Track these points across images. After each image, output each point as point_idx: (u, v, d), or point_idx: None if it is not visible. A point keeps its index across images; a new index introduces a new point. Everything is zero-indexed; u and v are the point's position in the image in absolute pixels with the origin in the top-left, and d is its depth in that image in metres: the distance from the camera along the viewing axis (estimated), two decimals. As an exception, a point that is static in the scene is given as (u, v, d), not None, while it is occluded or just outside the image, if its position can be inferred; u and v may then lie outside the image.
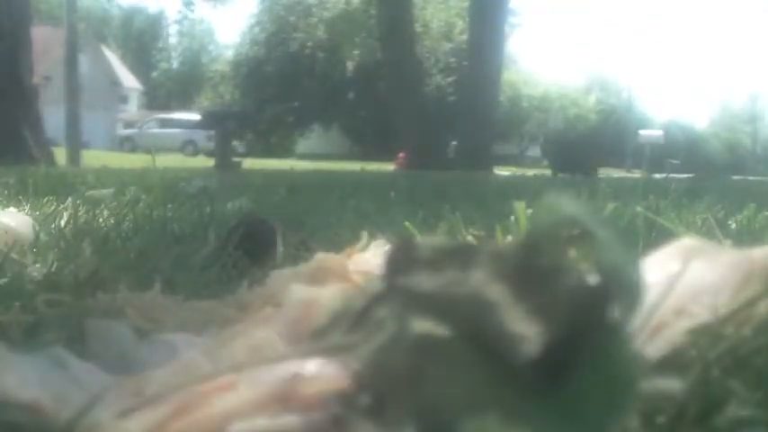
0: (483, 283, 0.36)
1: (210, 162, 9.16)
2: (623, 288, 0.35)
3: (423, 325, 0.35)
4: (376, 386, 0.35)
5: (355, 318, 0.39)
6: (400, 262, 0.39)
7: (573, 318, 0.34)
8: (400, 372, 0.34)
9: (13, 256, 1.08)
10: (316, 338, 0.41)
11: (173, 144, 23.70)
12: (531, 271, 0.36)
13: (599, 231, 0.37)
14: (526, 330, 0.34)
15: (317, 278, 0.78)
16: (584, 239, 0.36)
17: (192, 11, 21.95)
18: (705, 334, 0.50)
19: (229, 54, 36.41)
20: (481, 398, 0.34)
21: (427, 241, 0.39)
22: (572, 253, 0.36)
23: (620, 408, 0.34)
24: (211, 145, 12.52)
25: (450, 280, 0.37)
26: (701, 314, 0.50)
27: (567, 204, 0.38)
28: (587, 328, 0.34)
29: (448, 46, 28.92)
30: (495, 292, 0.36)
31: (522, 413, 0.33)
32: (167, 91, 42.28)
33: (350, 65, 30.01)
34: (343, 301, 0.42)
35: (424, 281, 0.37)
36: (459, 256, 0.38)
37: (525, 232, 0.41)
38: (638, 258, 0.41)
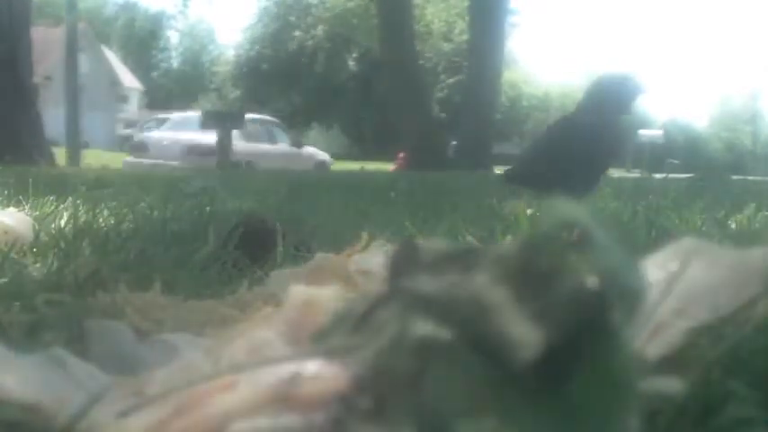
0: (483, 285, 0.36)
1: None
2: (623, 291, 0.35)
3: (424, 327, 0.35)
4: (377, 388, 0.35)
5: (357, 320, 0.39)
6: (402, 264, 0.39)
7: (573, 321, 0.34)
8: (401, 374, 0.34)
9: (13, 256, 1.08)
10: (317, 340, 0.41)
11: (173, 144, 23.61)
12: (532, 274, 0.36)
13: (599, 234, 0.37)
14: (526, 333, 0.34)
15: (317, 278, 0.78)
16: (584, 242, 0.36)
17: (187, 5, 21.93)
18: (705, 334, 0.50)
19: (230, 54, 36.48)
20: (481, 400, 0.34)
21: (429, 244, 0.39)
22: (572, 256, 0.36)
23: (617, 410, 0.34)
24: (211, 145, 12.47)
25: (451, 282, 0.37)
26: (700, 314, 0.50)
27: (568, 206, 0.38)
28: (587, 330, 0.34)
29: (448, 46, 28.94)
30: (496, 294, 0.36)
31: (522, 416, 0.33)
32: (167, 91, 42.31)
33: (350, 64, 30.03)
34: (345, 302, 0.42)
35: (426, 283, 0.37)
36: (461, 259, 0.38)
37: (526, 235, 0.41)
38: (638, 261, 0.41)
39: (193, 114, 12.26)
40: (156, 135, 11.64)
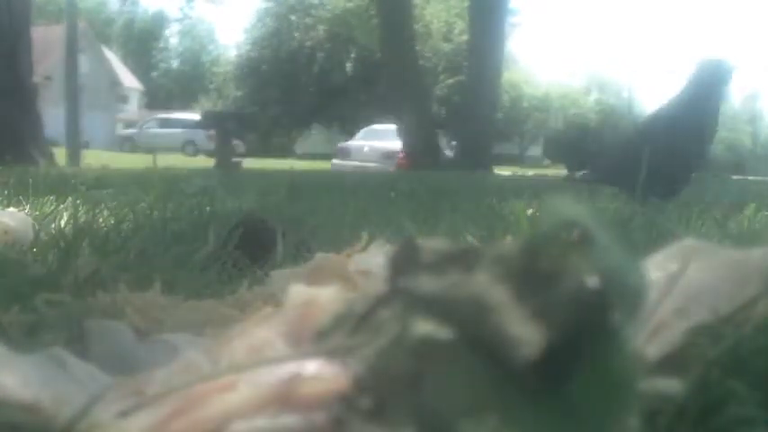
0: (484, 285, 0.36)
1: (210, 162, 9.18)
2: (624, 291, 0.35)
3: (424, 327, 0.35)
4: (377, 388, 0.35)
5: (357, 320, 0.39)
6: (402, 264, 0.39)
7: (573, 320, 0.34)
8: (401, 374, 0.34)
9: (13, 256, 1.08)
10: (318, 340, 0.41)
11: (173, 144, 23.67)
12: (532, 274, 0.36)
13: (600, 234, 0.37)
14: (527, 333, 0.34)
15: (317, 278, 0.78)
16: (585, 242, 0.36)
17: (192, 8, 22.05)
18: (705, 334, 0.50)
19: (231, 54, 36.55)
20: (482, 400, 0.34)
21: (429, 243, 0.39)
22: (573, 255, 0.36)
23: (618, 410, 0.34)
24: (211, 145, 12.74)
25: (451, 282, 0.37)
26: (700, 314, 0.50)
27: (569, 206, 0.38)
28: (587, 330, 0.34)
29: (448, 46, 28.94)
30: (496, 294, 0.36)
31: (523, 415, 0.33)
32: (167, 91, 42.27)
33: (349, 65, 30.03)
34: (345, 303, 0.42)
35: (427, 283, 0.37)
36: (461, 259, 0.38)
37: (526, 235, 0.41)
38: (640, 261, 0.41)
39: (386, 127, 15.63)
40: (357, 143, 15.27)
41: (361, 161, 13.78)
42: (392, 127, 15.80)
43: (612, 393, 0.34)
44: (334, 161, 15.10)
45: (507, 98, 26.79)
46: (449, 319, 0.35)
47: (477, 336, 0.35)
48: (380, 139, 15.15)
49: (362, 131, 16.24)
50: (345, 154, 15.19)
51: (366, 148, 14.77)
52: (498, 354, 0.34)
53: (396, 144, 14.29)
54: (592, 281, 0.35)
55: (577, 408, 0.34)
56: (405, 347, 0.35)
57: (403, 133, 13.33)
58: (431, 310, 0.36)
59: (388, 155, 14.11)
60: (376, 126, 16.51)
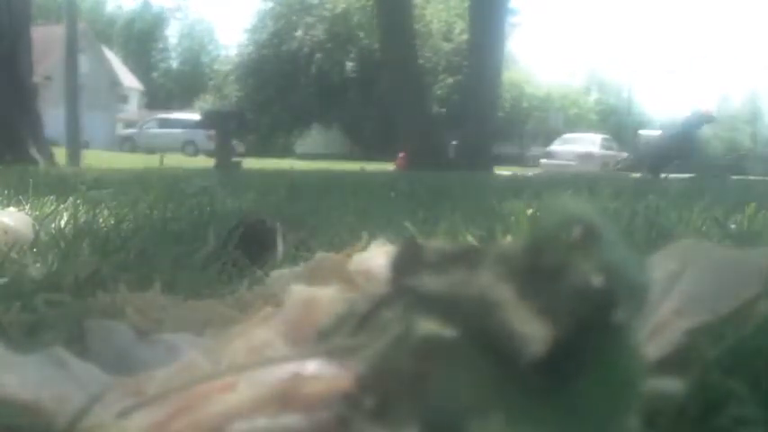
0: (488, 284, 0.36)
1: (210, 162, 9.18)
2: (628, 289, 0.35)
3: (428, 326, 0.35)
4: (380, 387, 0.35)
5: (361, 319, 0.39)
6: (406, 264, 0.39)
7: (577, 319, 0.34)
8: (405, 373, 0.34)
9: (13, 255, 1.08)
10: (320, 340, 0.41)
11: (173, 144, 23.70)
12: (536, 272, 0.36)
13: (604, 232, 0.37)
14: (531, 331, 0.34)
15: (317, 278, 0.78)
16: (589, 239, 0.36)
17: None
18: (705, 334, 0.50)
19: (231, 53, 36.58)
20: (486, 399, 0.33)
21: (432, 243, 0.39)
22: (577, 253, 0.36)
23: (623, 408, 0.34)
24: (211, 145, 12.79)
25: (455, 281, 0.37)
26: (700, 314, 0.50)
27: (572, 205, 0.38)
28: (591, 328, 0.34)
29: (448, 46, 28.95)
30: (500, 292, 0.36)
31: (527, 413, 0.33)
32: (167, 91, 42.27)
33: (349, 65, 30.01)
34: (346, 302, 0.42)
35: (430, 282, 0.37)
36: (464, 258, 0.38)
37: (530, 233, 0.41)
38: (643, 259, 0.41)
39: (576, 135, 21.93)
40: (558, 148, 20.51)
41: (566, 161, 18.31)
42: (581, 135, 21.95)
43: (617, 391, 0.34)
44: (542, 161, 19.93)
45: (508, 98, 26.85)
46: (452, 318, 0.35)
47: (481, 334, 0.35)
48: (572, 144, 20.59)
49: (558, 139, 21.44)
50: (551, 155, 19.77)
51: (564, 152, 19.67)
52: (503, 352, 0.34)
53: (585, 147, 19.95)
54: (596, 278, 0.35)
55: (582, 405, 0.34)
56: (408, 346, 0.35)
57: (403, 133, 13.31)
58: (434, 309, 0.36)
59: (582, 156, 19.11)
60: (566, 135, 21.95)
